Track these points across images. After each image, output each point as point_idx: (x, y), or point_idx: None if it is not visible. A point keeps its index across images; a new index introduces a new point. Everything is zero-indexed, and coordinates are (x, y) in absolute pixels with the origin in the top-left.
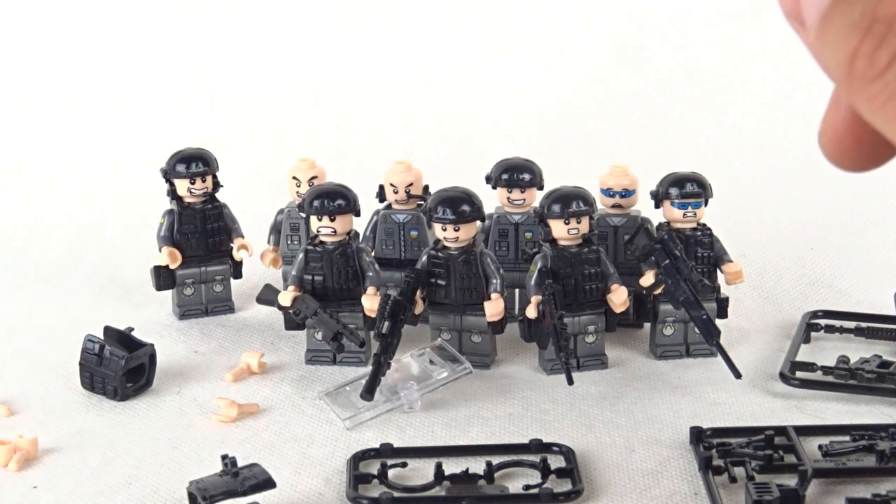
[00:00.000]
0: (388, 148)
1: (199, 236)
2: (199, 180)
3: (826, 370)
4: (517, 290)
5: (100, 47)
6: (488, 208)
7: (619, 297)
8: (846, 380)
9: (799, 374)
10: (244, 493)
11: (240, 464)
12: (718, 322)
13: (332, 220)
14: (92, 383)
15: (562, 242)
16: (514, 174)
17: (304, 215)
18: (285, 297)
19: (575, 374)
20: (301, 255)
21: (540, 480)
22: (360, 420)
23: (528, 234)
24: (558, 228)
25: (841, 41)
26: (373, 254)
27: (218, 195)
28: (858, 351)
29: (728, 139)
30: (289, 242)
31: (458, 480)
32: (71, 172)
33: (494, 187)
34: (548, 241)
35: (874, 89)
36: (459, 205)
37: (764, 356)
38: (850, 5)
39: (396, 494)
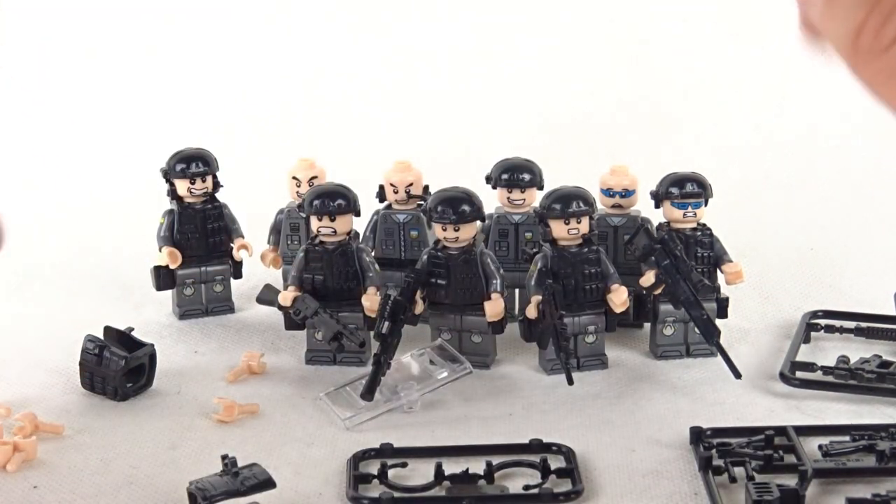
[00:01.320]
0: (388, 148)
1: (199, 236)
2: (199, 180)
3: (826, 370)
4: (517, 290)
5: (100, 47)
6: (488, 208)
7: (618, 298)
8: (846, 380)
9: (799, 374)
10: (244, 493)
11: (240, 464)
12: (718, 322)
13: (332, 220)
14: (92, 383)
15: (562, 242)
16: (514, 174)
17: (304, 215)
18: (285, 297)
19: (575, 375)
20: (301, 255)
21: (540, 480)
22: (360, 420)
23: (528, 235)
24: (558, 228)
25: (847, 15)
26: (373, 254)
27: (218, 195)
28: (858, 351)
29: (728, 139)
30: (289, 242)
31: (458, 480)
32: (71, 172)
33: (494, 187)
34: (548, 242)
35: (878, 65)
36: (459, 205)
37: (764, 356)
38: None
39: (396, 494)
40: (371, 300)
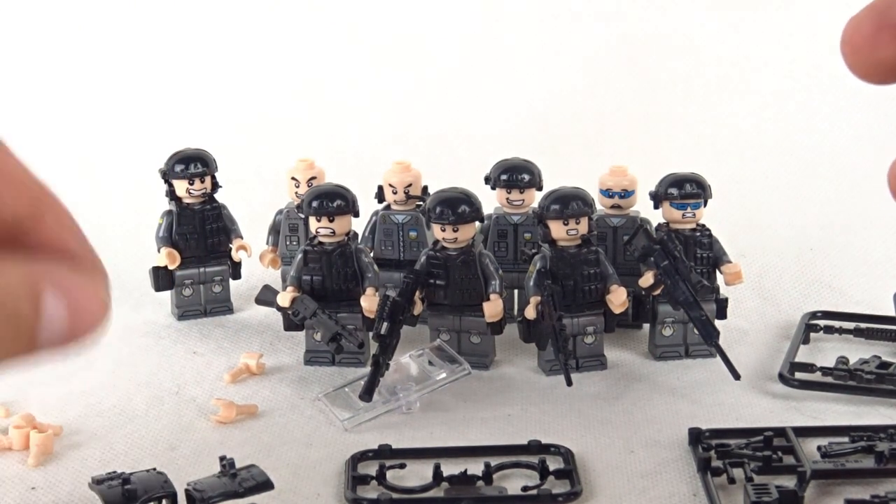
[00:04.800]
0: (388, 148)
1: (198, 237)
2: (197, 181)
3: (825, 371)
4: (516, 291)
5: (100, 47)
6: (487, 209)
7: (618, 298)
8: (845, 381)
9: (798, 374)
10: (242, 495)
11: (238, 465)
12: (717, 323)
13: (331, 221)
14: None
15: (561, 243)
16: (513, 175)
17: (302, 216)
18: (284, 298)
19: (574, 375)
20: (300, 256)
21: (538, 481)
22: (359, 421)
23: (528, 235)
24: (557, 229)
25: None
26: (371, 254)
27: (217, 196)
28: (858, 352)
29: (728, 139)
30: (287, 243)
31: (457, 481)
32: (70, 173)
33: (493, 188)
34: (547, 242)
35: None
36: (458, 205)
37: (763, 357)
38: None
39: (395, 496)
40: (370, 301)
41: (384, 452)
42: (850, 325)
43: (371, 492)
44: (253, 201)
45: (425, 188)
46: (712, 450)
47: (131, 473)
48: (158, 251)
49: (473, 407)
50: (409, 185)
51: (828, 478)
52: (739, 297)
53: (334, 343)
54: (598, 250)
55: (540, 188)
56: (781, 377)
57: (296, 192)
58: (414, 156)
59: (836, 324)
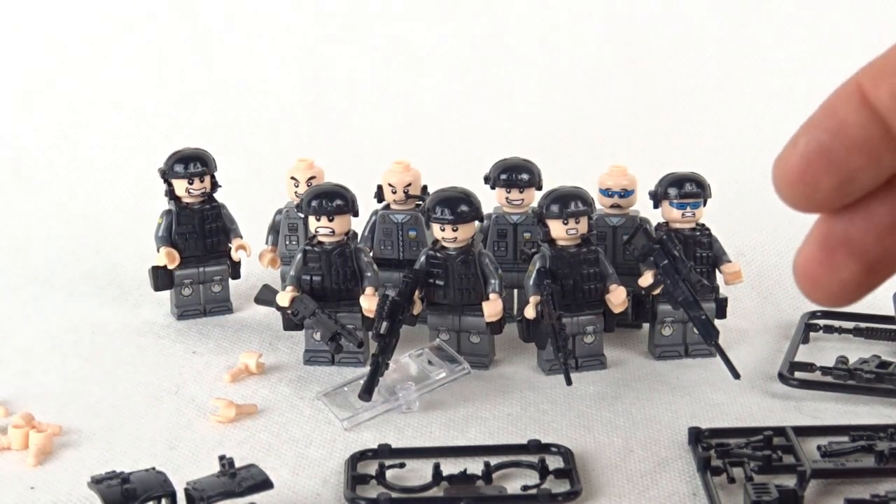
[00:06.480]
0: (387, 148)
1: (197, 236)
2: (197, 180)
3: (825, 370)
4: (516, 291)
5: (99, 47)
6: (487, 208)
7: (617, 298)
8: (845, 380)
9: (798, 374)
10: (241, 494)
11: (237, 464)
12: (717, 322)
13: (331, 221)
14: None
15: (560, 243)
16: (513, 174)
17: (302, 215)
18: (283, 298)
19: (573, 375)
20: (299, 256)
21: (538, 481)
22: (359, 421)
23: (527, 235)
24: (557, 229)
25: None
26: (371, 254)
27: (216, 195)
28: (857, 351)
29: (728, 139)
30: (287, 243)
31: (457, 481)
32: (70, 172)
33: (493, 187)
34: (546, 242)
35: None
36: (458, 205)
37: (763, 356)
38: None
39: (394, 495)
40: (369, 301)
41: (384, 452)
42: (850, 324)
43: (370, 491)
44: (252, 201)
45: (425, 188)
46: (712, 449)
47: (130, 473)
48: (158, 251)
49: (473, 406)
50: (409, 184)
51: (828, 477)
52: (739, 296)
53: (334, 343)
54: (597, 250)
55: (539, 188)
56: (781, 377)
57: (295, 192)
58: (413, 155)
59: (836, 323)
